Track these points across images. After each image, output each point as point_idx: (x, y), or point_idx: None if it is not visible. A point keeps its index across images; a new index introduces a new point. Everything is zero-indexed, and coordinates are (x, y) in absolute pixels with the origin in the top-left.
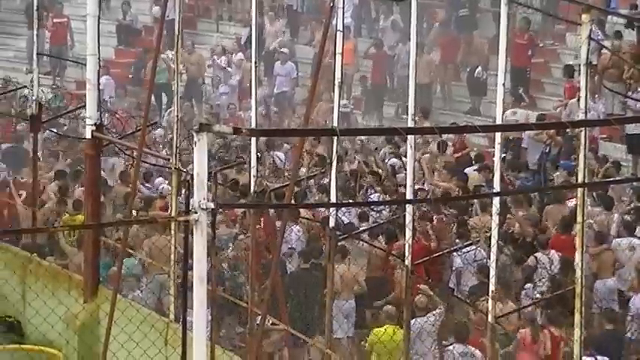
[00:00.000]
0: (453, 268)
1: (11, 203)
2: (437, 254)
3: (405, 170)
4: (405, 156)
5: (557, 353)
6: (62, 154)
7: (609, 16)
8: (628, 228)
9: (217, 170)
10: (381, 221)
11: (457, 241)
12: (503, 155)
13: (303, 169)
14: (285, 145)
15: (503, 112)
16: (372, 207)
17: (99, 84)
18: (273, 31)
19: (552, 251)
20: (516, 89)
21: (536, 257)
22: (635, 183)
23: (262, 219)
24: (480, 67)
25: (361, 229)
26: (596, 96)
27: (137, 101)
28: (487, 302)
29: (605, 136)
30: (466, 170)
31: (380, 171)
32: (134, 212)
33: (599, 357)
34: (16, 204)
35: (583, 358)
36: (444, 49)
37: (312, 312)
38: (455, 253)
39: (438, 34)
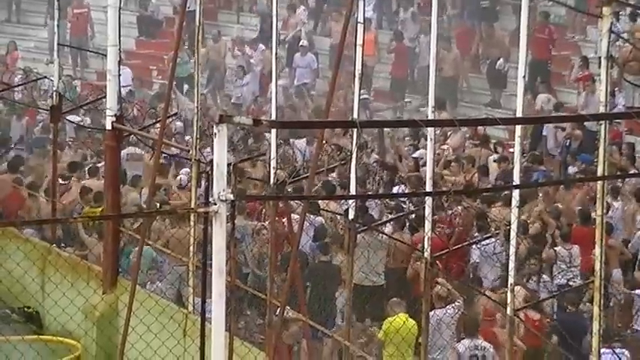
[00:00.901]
0: (471, 262)
1: (30, 194)
2: (456, 247)
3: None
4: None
5: (532, 336)
6: (71, 146)
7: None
8: None
9: (237, 162)
10: (402, 214)
11: (476, 234)
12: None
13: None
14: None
15: (524, 103)
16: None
17: (119, 75)
18: (294, 23)
19: (575, 246)
20: (535, 82)
21: (555, 250)
22: None
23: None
24: (501, 60)
25: (380, 221)
26: (616, 89)
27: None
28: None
29: (626, 129)
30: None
31: (399, 164)
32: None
33: (617, 349)
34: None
35: (601, 349)
36: (464, 40)
37: (329, 304)
38: (473, 247)
39: (457, 26)
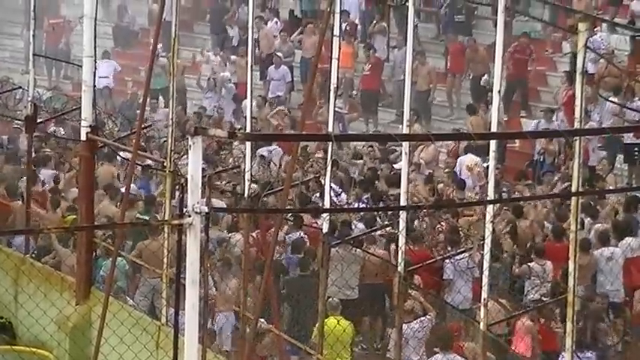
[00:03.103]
0: (444, 278)
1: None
2: (429, 261)
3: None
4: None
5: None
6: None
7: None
8: (601, 239)
9: (212, 174)
10: (376, 228)
11: (449, 248)
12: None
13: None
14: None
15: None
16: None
17: (94, 86)
18: (270, 35)
19: (548, 262)
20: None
21: (529, 266)
22: (628, 193)
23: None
24: (486, 76)
25: (353, 235)
26: (591, 105)
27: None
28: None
29: (600, 145)
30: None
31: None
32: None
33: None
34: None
35: None
36: (456, 56)
37: (304, 318)
38: (446, 262)
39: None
